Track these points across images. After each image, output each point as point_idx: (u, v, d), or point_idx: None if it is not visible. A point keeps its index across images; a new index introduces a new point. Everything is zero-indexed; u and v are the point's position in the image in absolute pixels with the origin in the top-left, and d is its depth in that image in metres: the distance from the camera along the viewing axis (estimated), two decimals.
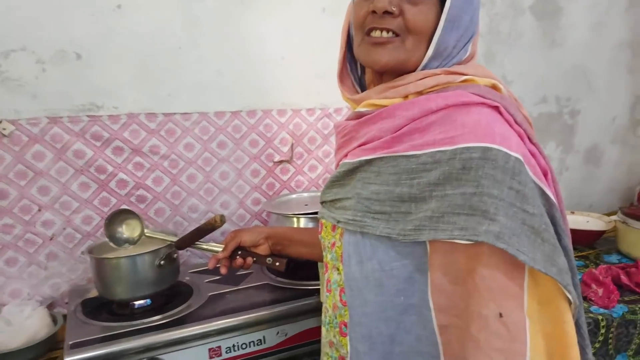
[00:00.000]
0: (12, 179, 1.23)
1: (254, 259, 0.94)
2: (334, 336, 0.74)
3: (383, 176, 0.64)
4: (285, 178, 1.59)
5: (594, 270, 1.35)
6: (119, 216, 1.06)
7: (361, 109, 0.69)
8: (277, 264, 0.94)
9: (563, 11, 1.91)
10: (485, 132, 0.58)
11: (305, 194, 1.49)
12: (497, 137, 0.58)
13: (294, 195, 1.48)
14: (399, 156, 0.63)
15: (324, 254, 0.78)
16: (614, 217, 1.68)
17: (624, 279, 1.33)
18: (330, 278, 0.74)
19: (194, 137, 1.43)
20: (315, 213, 1.25)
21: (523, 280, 0.56)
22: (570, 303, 0.58)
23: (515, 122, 0.62)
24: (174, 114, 1.40)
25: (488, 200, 0.55)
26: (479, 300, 0.56)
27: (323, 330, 0.79)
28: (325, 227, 0.76)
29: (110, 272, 1.10)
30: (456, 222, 0.56)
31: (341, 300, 0.71)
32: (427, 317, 0.61)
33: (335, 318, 0.73)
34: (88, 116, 1.29)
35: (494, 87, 0.66)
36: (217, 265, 0.95)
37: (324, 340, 0.79)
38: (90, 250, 1.14)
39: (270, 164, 1.55)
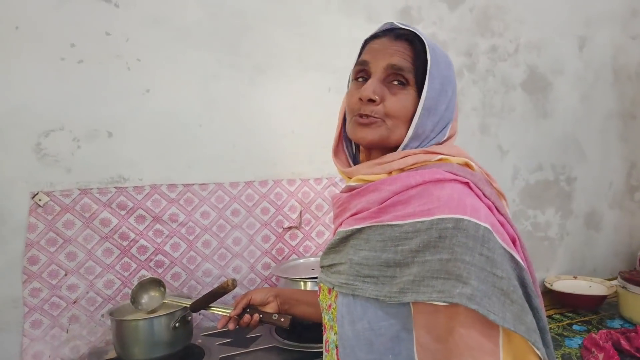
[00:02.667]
0: (43, 246, 1.34)
1: (261, 315, 1.01)
2: None
3: (371, 243, 0.72)
4: (294, 243, 1.68)
5: (594, 335, 1.38)
6: (146, 286, 1.13)
7: (352, 183, 0.80)
8: (282, 319, 1.00)
9: (552, 86, 2.06)
10: (457, 204, 0.67)
11: (312, 259, 1.57)
12: (467, 209, 0.66)
13: (301, 260, 1.56)
14: (385, 225, 0.71)
15: (322, 315, 0.85)
16: (615, 282, 1.71)
17: (624, 344, 1.36)
18: (328, 338, 0.81)
19: (210, 205, 1.54)
20: None
21: (498, 338, 0.63)
22: None
23: (484, 195, 0.71)
24: (193, 184, 1.52)
25: (461, 265, 0.62)
26: (459, 358, 0.62)
27: None
28: (323, 291, 0.84)
29: (128, 334, 1.18)
30: (434, 285, 0.64)
31: (338, 359, 0.77)
32: None
33: None
34: (115, 187, 1.42)
35: (467, 165, 0.77)
36: (225, 328, 1.01)
37: None
38: (111, 313, 1.22)
39: (280, 230, 1.65)
